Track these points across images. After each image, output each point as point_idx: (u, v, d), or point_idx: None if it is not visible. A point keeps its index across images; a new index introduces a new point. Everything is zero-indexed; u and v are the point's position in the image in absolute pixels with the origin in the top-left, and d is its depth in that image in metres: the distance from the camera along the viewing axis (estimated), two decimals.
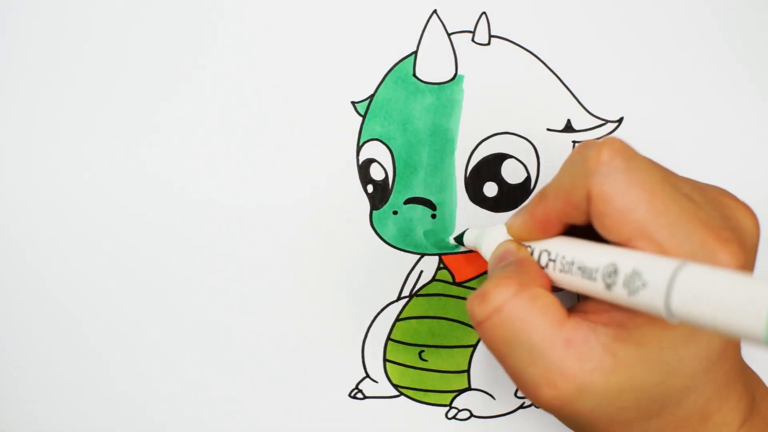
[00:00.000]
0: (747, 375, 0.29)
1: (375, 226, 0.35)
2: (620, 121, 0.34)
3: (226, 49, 0.34)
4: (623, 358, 0.25)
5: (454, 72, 0.34)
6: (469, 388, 0.36)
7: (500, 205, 0.34)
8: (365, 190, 0.34)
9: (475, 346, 0.36)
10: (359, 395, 0.36)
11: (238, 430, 0.36)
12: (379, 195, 0.34)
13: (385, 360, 0.36)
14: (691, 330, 0.25)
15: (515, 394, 0.36)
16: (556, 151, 0.34)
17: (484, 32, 0.34)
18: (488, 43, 0.34)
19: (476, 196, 0.34)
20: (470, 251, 0.35)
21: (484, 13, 0.34)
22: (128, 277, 0.35)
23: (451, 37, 0.34)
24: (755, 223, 0.26)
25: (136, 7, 0.33)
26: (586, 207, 0.25)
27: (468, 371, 0.36)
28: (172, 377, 0.36)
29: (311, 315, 0.35)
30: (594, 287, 0.24)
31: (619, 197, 0.24)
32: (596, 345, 0.25)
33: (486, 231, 0.31)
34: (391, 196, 0.34)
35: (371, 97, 0.34)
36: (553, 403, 0.25)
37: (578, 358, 0.25)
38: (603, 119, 0.34)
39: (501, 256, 0.29)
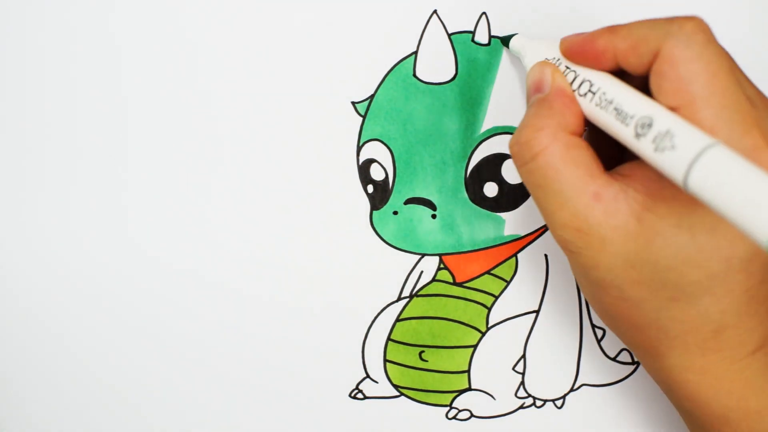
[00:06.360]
0: None
1: (375, 226, 0.35)
2: None
3: (225, 49, 0.34)
4: (646, 226, 0.25)
5: (454, 72, 0.34)
6: (469, 389, 0.36)
7: (500, 205, 0.34)
8: (365, 190, 0.34)
9: (475, 347, 0.36)
10: (359, 395, 0.36)
11: (238, 430, 0.36)
12: (379, 195, 0.34)
13: (385, 360, 0.36)
14: (714, 223, 0.25)
15: (515, 395, 0.36)
16: None
17: (484, 32, 0.34)
18: (488, 43, 0.34)
19: (476, 196, 0.34)
20: (471, 251, 0.35)
21: (484, 13, 0.34)
22: (128, 276, 0.35)
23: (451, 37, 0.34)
24: None
25: (138, 4, 0.33)
26: (649, 61, 0.25)
27: (468, 371, 0.36)
28: (171, 377, 0.36)
29: (311, 315, 0.35)
30: (623, 131, 0.25)
31: (684, 64, 0.24)
32: (624, 206, 0.25)
33: (533, 43, 0.31)
34: (391, 196, 0.34)
35: (371, 97, 0.34)
36: (575, 243, 0.26)
37: (604, 211, 0.25)
38: None
39: (537, 84, 0.29)
